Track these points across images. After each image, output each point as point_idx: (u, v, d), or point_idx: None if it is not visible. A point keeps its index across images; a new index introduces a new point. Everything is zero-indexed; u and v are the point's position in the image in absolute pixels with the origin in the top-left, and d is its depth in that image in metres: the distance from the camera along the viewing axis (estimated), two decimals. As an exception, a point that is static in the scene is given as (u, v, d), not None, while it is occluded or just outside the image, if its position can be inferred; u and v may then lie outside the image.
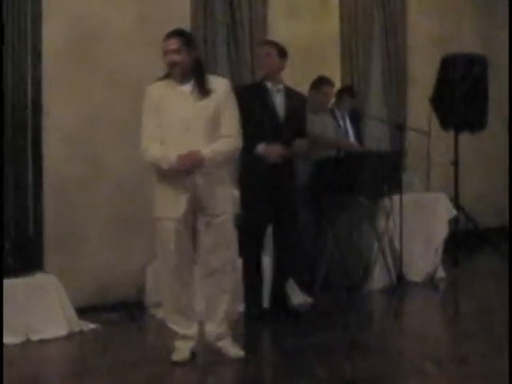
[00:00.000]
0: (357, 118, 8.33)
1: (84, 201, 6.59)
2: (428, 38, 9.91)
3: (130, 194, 6.81)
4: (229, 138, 4.91)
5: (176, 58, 4.86)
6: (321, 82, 7.57)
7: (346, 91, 8.27)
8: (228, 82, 5.14)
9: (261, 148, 6.12)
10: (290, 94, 6.46)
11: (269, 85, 6.36)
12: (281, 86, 6.42)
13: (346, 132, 8.02)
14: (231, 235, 5.04)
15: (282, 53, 6.42)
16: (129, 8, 6.82)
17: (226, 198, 5.02)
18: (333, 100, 7.91)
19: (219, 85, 5.00)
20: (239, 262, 5.70)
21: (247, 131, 5.80)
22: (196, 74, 4.94)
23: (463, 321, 6.79)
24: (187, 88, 4.95)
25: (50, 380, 5.06)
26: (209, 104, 4.88)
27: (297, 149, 6.26)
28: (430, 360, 5.25)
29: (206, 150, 4.75)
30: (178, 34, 4.96)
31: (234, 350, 5.05)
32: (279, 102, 6.37)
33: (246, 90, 6.58)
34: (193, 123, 4.84)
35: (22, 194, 6.29)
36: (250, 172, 6.33)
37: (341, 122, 7.97)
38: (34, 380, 4.90)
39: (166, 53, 4.88)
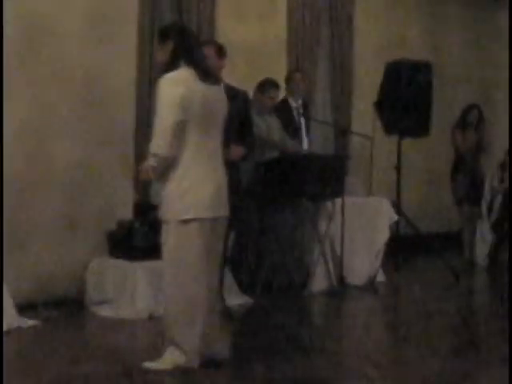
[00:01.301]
0: (307, 110, 8.37)
1: (29, 199, 6.53)
2: (374, 43, 10.00)
3: (76, 192, 6.78)
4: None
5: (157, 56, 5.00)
6: (266, 85, 7.57)
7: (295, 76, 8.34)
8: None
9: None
10: (230, 92, 6.34)
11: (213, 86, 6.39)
12: (221, 86, 6.46)
13: (299, 125, 8.09)
14: None
15: (221, 52, 6.41)
16: (77, 6, 6.75)
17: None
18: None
19: None
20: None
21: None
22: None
23: (402, 325, 6.84)
24: None
25: None
26: None
27: (231, 155, 6.18)
28: (369, 362, 5.32)
29: None
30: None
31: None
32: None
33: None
34: None
35: None
36: None
37: (294, 113, 8.04)
38: None
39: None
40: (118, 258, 6.66)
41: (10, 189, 6.35)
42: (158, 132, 4.69)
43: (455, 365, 5.27)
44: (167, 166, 4.68)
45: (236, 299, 6.82)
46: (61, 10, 6.67)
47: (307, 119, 8.22)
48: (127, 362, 5.15)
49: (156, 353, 5.01)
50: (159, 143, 4.67)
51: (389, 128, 8.45)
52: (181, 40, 4.87)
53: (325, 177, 7.40)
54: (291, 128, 7.79)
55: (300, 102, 8.14)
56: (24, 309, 6.08)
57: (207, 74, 4.84)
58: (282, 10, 9.12)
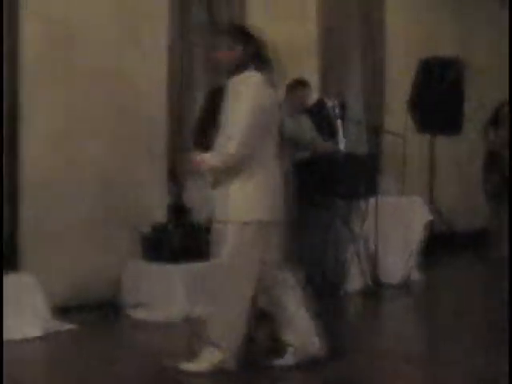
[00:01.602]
0: (344, 110, 8.30)
1: (62, 202, 6.54)
2: (406, 41, 9.96)
3: (111, 195, 6.81)
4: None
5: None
6: (295, 85, 7.58)
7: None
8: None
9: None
10: None
11: None
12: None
13: (335, 125, 7.92)
14: None
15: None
16: (104, 9, 6.80)
17: None
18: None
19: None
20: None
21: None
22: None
23: (439, 323, 6.81)
24: None
25: (23, 381, 4.97)
26: None
27: None
28: (407, 362, 5.32)
29: None
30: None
31: None
32: None
33: (213, 93, 6.56)
34: None
35: None
36: None
37: (331, 113, 7.92)
38: (7, 381, 4.73)
39: None
40: (152, 260, 6.67)
41: (47, 192, 6.42)
42: (235, 133, 4.68)
43: (494, 363, 5.23)
44: (233, 168, 4.71)
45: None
46: (88, 11, 6.70)
47: (344, 119, 8.18)
48: (162, 364, 5.14)
49: (191, 355, 5.02)
50: (236, 144, 4.66)
51: (421, 126, 8.48)
52: (251, 44, 4.90)
53: (358, 176, 7.41)
54: (327, 128, 7.74)
55: (336, 102, 8.00)
56: (60, 312, 6.10)
57: (272, 80, 4.89)
58: (313, 10, 9.11)
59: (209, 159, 4.76)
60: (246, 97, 4.75)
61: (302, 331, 4.99)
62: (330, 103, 7.93)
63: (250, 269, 4.79)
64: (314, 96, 7.99)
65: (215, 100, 6.39)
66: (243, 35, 4.94)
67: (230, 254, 4.74)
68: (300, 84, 7.61)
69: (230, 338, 4.79)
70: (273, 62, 4.95)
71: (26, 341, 5.66)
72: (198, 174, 5.10)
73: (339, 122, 7.89)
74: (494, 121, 9.50)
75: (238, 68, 4.83)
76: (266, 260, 4.86)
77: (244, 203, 4.74)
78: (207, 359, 4.82)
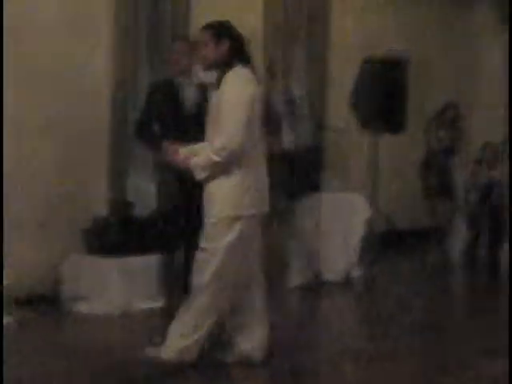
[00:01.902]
0: (292, 105, 8.38)
1: (5, 195, 6.42)
2: (352, 38, 10.02)
3: (52, 190, 6.76)
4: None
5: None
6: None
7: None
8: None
9: (165, 145, 5.79)
10: (202, 88, 6.38)
11: (179, 80, 6.38)
12: (193, 81, 6.43)
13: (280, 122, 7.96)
14: None
15: (193, 48, 6.39)
16: (50, 9, 6.76)
17: None
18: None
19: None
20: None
21: (160, 128, 6.19)
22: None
23: (378, 319, 6.89)
24: None
25: None
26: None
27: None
28: (346, 356, 5.43)
29: None
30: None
31: None
32: (190, 97, 6.37)
33: (157, 87, 6.59)
34: None
35: None
36: (164, 171, 6.37)
37: (277, 105, 7.95)
38: None
39: None
40: (93, 254, 6.67)
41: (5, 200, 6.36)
42: (229, 128, 4.72)
43: (431, 359, 5.35)
44: (230, 163, 4.75)
45: None
46: (35, 10, 6.65)
47: (291, 114, 8.19)
48: (101, 357, 5.21)
49: (130, 348, 5.14)
50: (231, 138, 4.70)
51: (364, 123, 8.50)
52: (237, 40, 4.97)
53: (301, 172, 7.47)
54: (272, 124, 7.61)
55: (282, 97, 8.13)
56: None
57: (256, 75, 5.00)
58: (259, 6, 9.15)
59: (208, 155, 4.76)
60: (236, 93, 4.81)
61: (256, 336, 5.04)
62: (275, 99, 7.96)
63: (239, 262, 4.88)
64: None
65: (158, 94, 6.45)
66: (229, 31, 4.99)
67: (225, 248, 4.78)
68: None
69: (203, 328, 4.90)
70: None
71: None
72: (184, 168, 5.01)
73: (287, 117, 7.96)
74: (437, 121, 9.60)
75: (225, 64, 4.91)
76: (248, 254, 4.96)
77: (243, 198, 4.81)
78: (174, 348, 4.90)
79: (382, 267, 8.75)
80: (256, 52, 8.84)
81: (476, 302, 7.86)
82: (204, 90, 6.44)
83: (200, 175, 4.85)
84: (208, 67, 5.06)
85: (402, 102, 8.68)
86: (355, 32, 10.16)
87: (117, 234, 6.69)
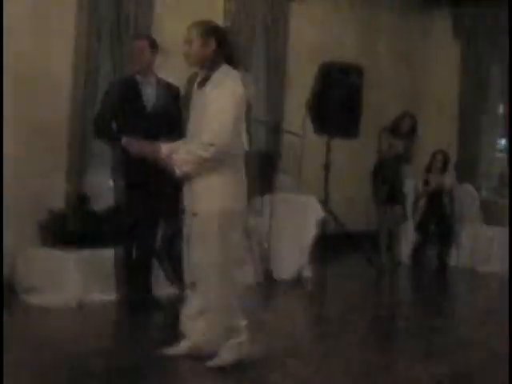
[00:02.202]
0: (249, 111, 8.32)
1: None
2: (309, 44, 10.06)
3: (9, 181, 6.64)
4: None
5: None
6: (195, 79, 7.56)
7: None
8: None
9: (123, 141, 5.83)
10: (162, 86, 6.53)
11: (139, 78, 6.46)
12: (152, 79, 6.51)
13: None
14: None
15: (154, 45, 6.52)
16: (16, 10, 6.72)
17: None
18: None
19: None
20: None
21: (119, 125, 6.24)
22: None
23: (327, 318, 6.98)
24: None
25: None
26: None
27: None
28: (294, 354, 5.44)
29: None
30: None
31: None
32: (149, 94, 6.47)
33: (117, 85, 6.68)
34: None
35: None
36: (122, 166, 6.51)
37: None
38: None
39: None
40: (49, 247, 6.69)
41: None
42: (218, 125, 4.68)
43: (378, 357, 5.48)
44: (217, 159, 4.71)
45: (163, 290, 6.87)
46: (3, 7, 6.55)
47: (247, 119, 8.17)
48: (54, 348, 5.22)
49: (82, 339, 5.18)
50: (220, 135, 4.68)
51: (319, 128, 8.56)
52: (225, 41, 4.93)
53: (254, 173, 7.49)
54: None
55: None
56: None
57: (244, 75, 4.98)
58: (219, 9, 9.19)
59: (196, 151, 4.70)
60: (228, 91, 4.78)
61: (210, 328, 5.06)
62: None
63: (234, 254, 4.94)
64: None
65: (119, 93, 6.54)
66: (217, 32, 4.97)
67: (215, 242, 4.78)
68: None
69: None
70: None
71: None
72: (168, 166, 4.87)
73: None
74: (391, 129, 9.69)
75: (211, 63, 4.87)
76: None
77: (232, 193, 4.83)
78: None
79: (332, 267, 8.88)
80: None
81: (423, 303, 8.10)
82: (165, 89, 6.59)
83: (182, 170, 4.77)
84: (193, 65, 5.01)
85: (357, 108, 8.79)
86: (314, 37, 10.29)
87: (73, 227, 6.68)
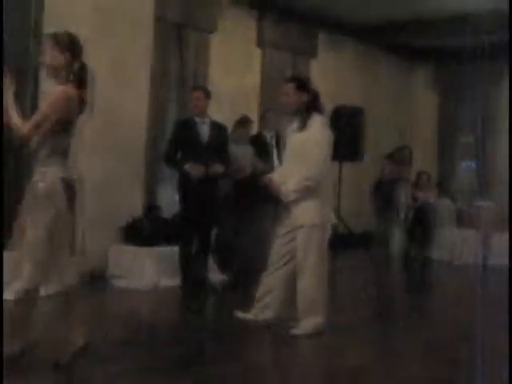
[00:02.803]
0: (278, 140, 8.25)
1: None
2: (325, 92, 10.16)
3: (103, 197, 6.69)
4: None
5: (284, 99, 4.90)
6: (242, 121, 7.53)
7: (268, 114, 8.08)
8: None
9: (186, 166, 6.29)
10: (214, 125, 6.58)
11: (197, 119, 6.55)
12: (207, 120, 6.58)
13: (271, 152, 7.78)
14: None
15: (207, 95, 6.60)
16: (102, 54, 6.72)
17: None
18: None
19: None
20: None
21: (182, 154, 6.28)
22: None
23: (341, 297, 6.88)
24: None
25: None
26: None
27: (213, 170, 6.40)
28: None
29: None
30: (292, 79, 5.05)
31: None
32: (204, 131, 6.53)
33: (180, 124, 6.78)
34: None
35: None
36: (184, 185, 6.52)
37: (268, 142, 7.77)
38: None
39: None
40: (131, 245, 6.77)
41: None
42: (318, 161, 4.73)
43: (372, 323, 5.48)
44: (315, 186, 4.73)
45: (217, 276, 6.96)
46: (89, 48, 6.59)
47: (278, 148, 8.10)
48: (137, 320, 5.35)
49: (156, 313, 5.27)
50: (319, 169, 4.72)
51: (333, 156, 8.62)
52: (315, 95, 4.91)
53: None
54: (261, 154, 7.56)
55: (272, 134, 7.83)
56: None
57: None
58: (257, 66, 9.26)
59: (301, 182, 4.72)
60: (324, 134, 4.81)
61: None
62: (267, 135, 7.84)
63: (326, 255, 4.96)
64: (255, 129, 8.04)
65: (182, 130, 6.64)
66: (308, 85, 4.96)
67: (316, 248, 4.79)
68: (246, 120, 7.57)
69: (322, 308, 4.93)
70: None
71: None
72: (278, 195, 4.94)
73: (274, 149, 8.05)
74: (391, 156, 9.67)
75: (304, 112, 4.83)
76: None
77: (322, 211, 4.82)
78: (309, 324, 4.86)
79: (341, 258, 8.78)
80: (254, 102, 9.08)
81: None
82: (216, 127, 6.61)
83: (291, 198, 4.78)
84: (289, 113, 4.95)
85: (360, 139, 8.84)
86: (328, 87, 10.34)
87: (148, 230, 6.77)
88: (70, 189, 3.63)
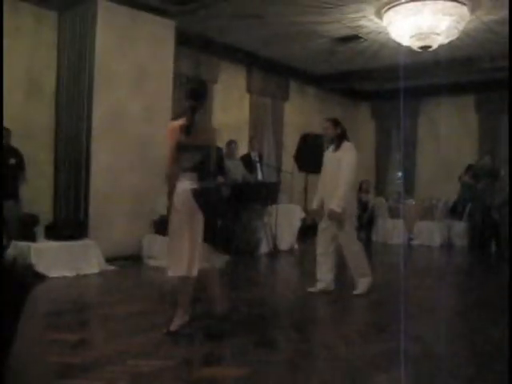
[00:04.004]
0: (261, 159, 8.24)
1: (113, 204, 6.45)
2: (295, 124, 10.16)
3: (140, 200, 6.67)
4: None
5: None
6: (232, 142, 7.54)
7: (253, 141, 8.22)
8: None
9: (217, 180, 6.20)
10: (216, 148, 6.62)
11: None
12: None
13: (256, 167, 7.84)
14: None
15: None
16: (138, 99, 6.66)
17: None
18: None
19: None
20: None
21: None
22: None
23: (306, 271, 6.63)
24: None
25: (90, 293, 5.01)
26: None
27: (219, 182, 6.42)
28: (285, 290, 5.26)
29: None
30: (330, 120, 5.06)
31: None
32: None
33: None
34: None
35: (78, 197, 6.30)
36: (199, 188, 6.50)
37: (253, 160, 7.76)
38: (80, 296, 4.80)
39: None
40: (159, 234, 6.60)
41: (114, 201, 6.42)
42: (350, 176, 4.75)
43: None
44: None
45: (223, 258, 6.83)
46: (128, 99, 6.53)
47: (261, 164, 8.27)
48: (165, 288, 5.17)
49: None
50: (351, 183, 4.77)
51: (300, 168, 8.49)
52: (344, 129, 4.98)
53: (268, 193, 7.49)
54: (249, 168, 7.63)
55: (256, 154, 7.97)
56: (109, 260, 6.07)
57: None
58: (247, 106, 9.27)
59: (339, 206, 4.71)
60: (354, 158, 4.81)
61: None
62: (253, 154, 7.97)
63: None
64: (244, 150, 8.00)
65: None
66: (340, 123, 4.99)
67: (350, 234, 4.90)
68: (234, 142, 7.55)
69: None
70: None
71: (91, 274, 5.68)
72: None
73: (258, 165, 8.08)
74: None
75: (341, 138, 4.91)
76: None
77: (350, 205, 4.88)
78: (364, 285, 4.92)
79: (308, 243, 8.84)
80: (244, 130, 9.07)
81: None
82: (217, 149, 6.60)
83: (339, 209, 4.75)
84: (331, 141, 5.02)
85: (321, 157, 8.75)
86: (296, 120, 10.35)
87: None
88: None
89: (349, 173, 4.74)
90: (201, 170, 3.65)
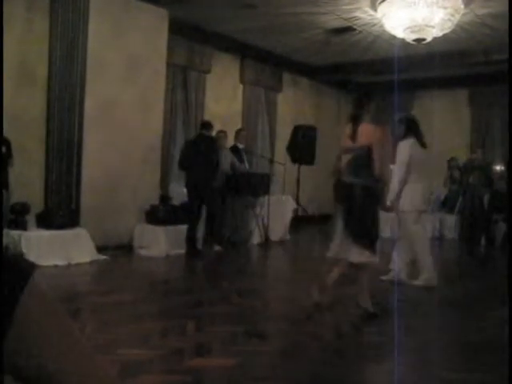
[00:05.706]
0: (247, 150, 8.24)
1: (110, 195, 6.41)
2: (288, 116, 10.17)
3: (134, 189, 6.64)
4: None
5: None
6: (221, 132, 7.42)
7: (241, 132, 8.06)
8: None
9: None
10: (205, 140, 6.59)
11: (198, 139, 6.59)
12: (208, 139, 6.60)
13: (243, 157, 7.80)
14: None
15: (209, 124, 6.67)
16: (130, 92, 6.61)
17: None
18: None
19: None
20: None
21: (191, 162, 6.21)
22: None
23: (295, 262, 6.93)
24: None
25: (82, 283, 5.00)
26: None
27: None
28: (278, 279, 5.37)
29: None
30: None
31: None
32: (200, 143, 6.55)
33: (188, 143, 6.76)
34: None
35: (69, 186, 6.28)
36: (190, 181, 6.49)
37: (241, 151, 7.75)
38: (71, 285, 4.82)
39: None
40: (150, 224, 6.63)
41: (106, 191, 6.39)
42: (399, 170, 4.95)
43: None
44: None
45: (215, 248, 6.87)
46: (121, 88, 6.54)
47: (247, 154, 8.15)
48: (153, 277, 5.23)
49: (169, 273, 5.17)
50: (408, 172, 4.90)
51: (293, 160, 8.55)
52: (411, 125, 5.10)
53: (260, 184, 7.51)
54: (239, 158, 7.59)
55: (243, 145, 7.91)
56: (100, 249, 6.05)
57: (423, 143, 5.06)
58: (240, 97, 9.25)
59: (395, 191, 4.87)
60: (408, 152, 4.96)
61: None
62: (240, 146, 7.89)
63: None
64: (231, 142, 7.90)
65: (190, 146, 6.53)
66: (408, 121, 5.17)
67: (412, 227, 5.03)
68: (224, 133, 7.47)
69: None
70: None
71: (83, 263, 5.67)
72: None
73: (245, 155, 8.05)
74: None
75: (403, 137, 5.06)
76: None
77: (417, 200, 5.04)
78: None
79: (299, 234, 8.85)
80: (237, 122, 9.03)
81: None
82: (209, 142, 6.56)
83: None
84: (397, 139, 5.12)
85: (313, 148, 8.82)
86: (290, 111, 10.37)
87: (162, 214, 6.64)
88: None
89: (402, 163, 4.99)
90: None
